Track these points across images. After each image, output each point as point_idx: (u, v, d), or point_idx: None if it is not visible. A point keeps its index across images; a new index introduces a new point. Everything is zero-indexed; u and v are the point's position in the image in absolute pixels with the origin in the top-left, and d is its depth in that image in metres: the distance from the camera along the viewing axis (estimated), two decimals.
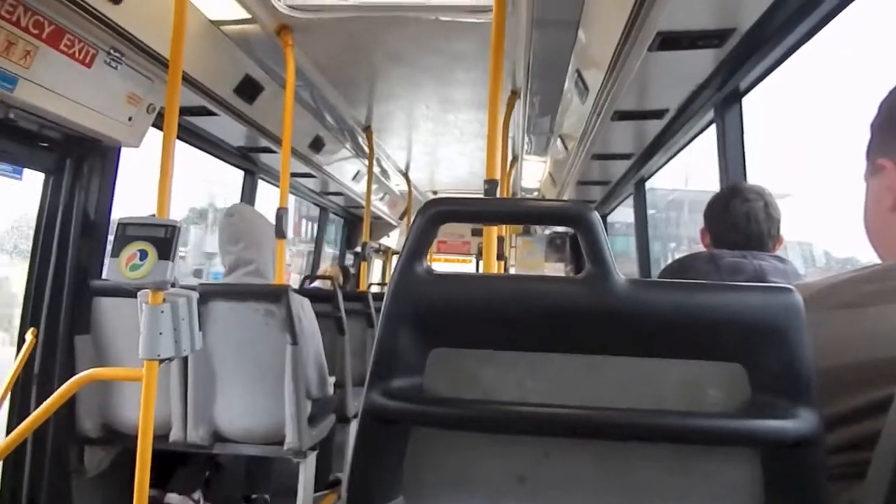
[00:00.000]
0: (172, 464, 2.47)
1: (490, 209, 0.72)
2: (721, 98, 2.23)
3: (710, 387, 0.58)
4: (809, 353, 0.56)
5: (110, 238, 1.75)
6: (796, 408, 0.55)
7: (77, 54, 1.97)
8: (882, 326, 0.64)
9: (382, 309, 0.63)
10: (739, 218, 1.61)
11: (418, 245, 0.63)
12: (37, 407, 1.69)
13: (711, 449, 0.58)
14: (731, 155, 2.28)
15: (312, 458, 2.27)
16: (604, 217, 5.24)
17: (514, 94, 3.06)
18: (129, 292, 1.68)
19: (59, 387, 1.66)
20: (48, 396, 1.66)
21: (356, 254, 4.78)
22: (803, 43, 1.80)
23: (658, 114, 2.68)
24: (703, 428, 0.56)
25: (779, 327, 0.56)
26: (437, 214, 0.63)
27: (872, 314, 0.66)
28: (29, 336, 2.18)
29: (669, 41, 1.89)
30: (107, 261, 1.60)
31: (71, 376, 1.69)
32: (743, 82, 2.10)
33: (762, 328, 0.57)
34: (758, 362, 0.57)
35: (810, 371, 0.55)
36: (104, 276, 2.34)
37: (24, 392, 2.19)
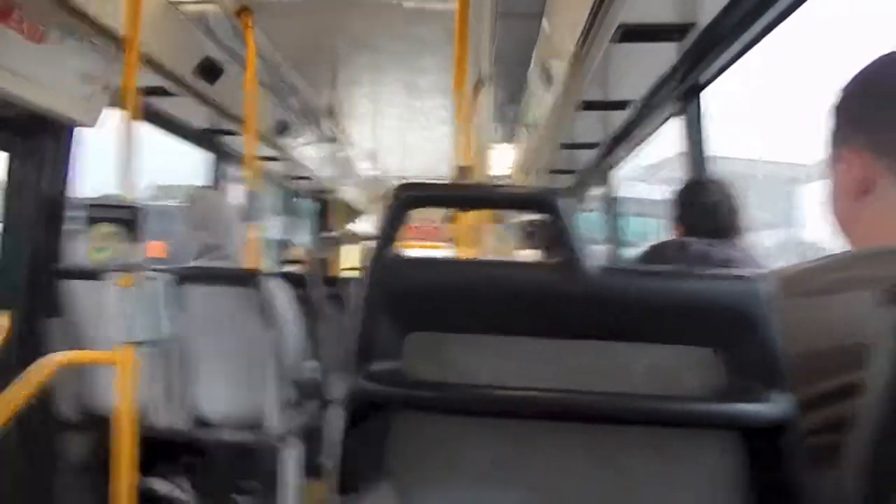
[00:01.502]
0: (154, 451, 2.43)
1: (465, 195, 0.72)
2: (682, 91, 2.26)
3: (685, 371, 0.59)
4: (779, 339, 0.57)
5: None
6: (771, 391, 0.56)
7: (27, 30, 1.90)
8: (847, 314, 0.66)
9: (359, 294, 0.63)
10: (706, 209, 1.66)
11: (391, 229, 0.63)
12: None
13: (692, 433, 0.59)
14: (693, 148, 2.31)
15: (296, 442, 2.26)
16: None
17: (480, 82, 3.05)
18: (97, 275, 1.65)
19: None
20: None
21: (326, 238, 4.74)
22: (761, 38, 1.83)
23: (622, 105, 2.70)
24: (685, 411, 0.57)
25: (748, 313, 0.57)
26: (411, 199, 0.63)
27: (839, 301, 0.67)
28: (5, 321, 2.11)
29: (632, 33, 1.91)
30: (69, 243, 1.57)
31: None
32: (703, 76, 2.13)
33: (732, 314, 0.58)
34: (731, 347, 0.58)
35: (781, 356, 0.57)
36: (71, 257, 2.28)
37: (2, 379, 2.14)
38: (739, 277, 0.60)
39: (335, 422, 0.61)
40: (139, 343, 1.55)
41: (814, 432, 0.64)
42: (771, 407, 0.55)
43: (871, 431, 0.53)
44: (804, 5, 1.59)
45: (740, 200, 1.68)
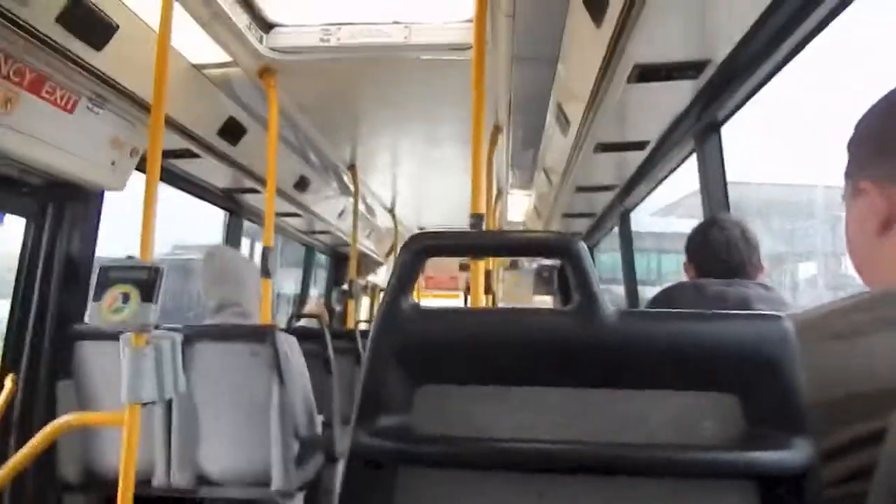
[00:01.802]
0: None
1: (476, 242, 0.72)
2: (700, 128, 2.27)
3: (705, 418, 0.57)
4: (803, 383, 0.55)
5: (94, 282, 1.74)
6: (792, 439, 0.54)
7: (58, 101, 1.97)
8: (874, 357, 0.63)
9: (368, 346, 0.61)
10: (720, 247, 1.63)
11: (404, 280, 0.62)
12: (15, 454, 1.65)
13: (708, 482, 0.56)
14: (713, 184, 2.31)
15: (300, 499, 2.22)
16: (591, 248, 5.26)
17: (497, 128, 3.10)
18: (112, 336, 1.66)
19: (38, 433, 1.62)
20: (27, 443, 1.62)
21: (343, 291, 4.75)
22: (778, 71, 1.84)
23: (639, 145, 2.72)
24: (699, 461, 0.54)
25: (772, 357, 0.55)
26: (423, 249, 0.62)
27: (864, 344, 0.65)
28: (8, 382, 2.12)
29: (647, 73, 1.93)
30: (90, 305, 1.59)
31: (50, 422, 1.65)
32: (721, 112, 2.14)
33: (755, 358, 0.56)
34: (751, 393, 0.56)
35: (804, 401, 0.55)
36: (86, 319, 2.30)
37: (3, 439, 2.14)
38: (760, 318, 0.58)
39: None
40: (147, 403, 1.54)
41: (839, 482, 0.61)
42: (791, 455, 0.53)
43: (893, 479, 0.50)
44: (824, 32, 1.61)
45: (755, 237, 1.66)
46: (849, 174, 0.79)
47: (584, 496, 0.58)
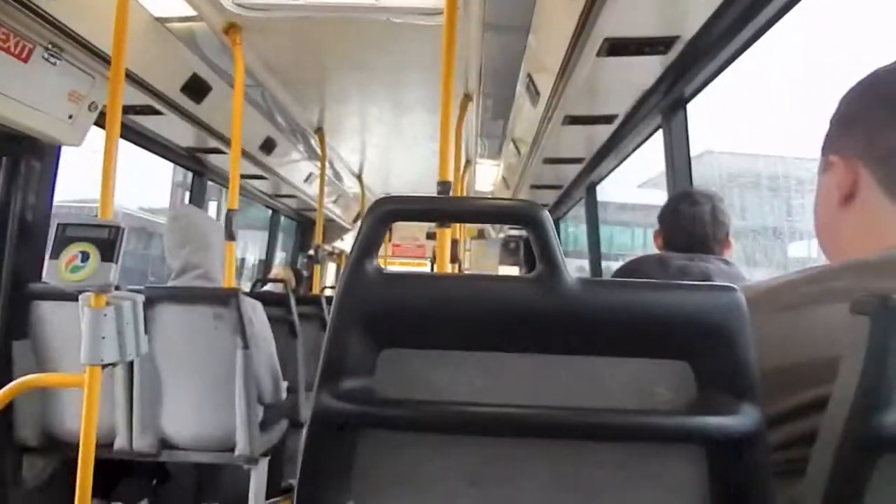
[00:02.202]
0: (117, 473, 2.39)
1: (441, 207, 0.72)
2: (667, 104, 2.29)
3: (659, 385, 0.59)
4: (753, 351, 0.57)
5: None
6: (740, 404, 0.56)
7: (12, 49, 1.89)
8: (820, 327, 0.65)
9: (332, 309, 0.62)
10: (686, 220, 1.66)
11: (368, 243, 0.62)
12: None
13: (660, 446, 0.58)
14: (678, 159, 2.34)
15: (264, 464, 2.23)
16: (556, 221, 5.31)
17: (467, 97, 3.08)
18: (70, 296, 1.62)
19: None
20: None
21: (309, 257, 4.72)
22: (744, 50, 1.87)
23: (607, 119, 2.73)
24: (650, 425, 0.56)
25: (723, 325, 0.57)
26: (388, 213, 0.62)
27: (809, 315, 0.67)
28: None
29: (617, 47, 1.93)
30: (46, 263, 1.54)
31: (7, 383, 1.62)
32: (687, 88, 2.17)
33: (707, 326, 0.58)
34: (703, 360, 0.58)
35: (754, 368, 0.57)
36: (43, 278, 2.25)
37: None
38: (713, 289, 0.60)
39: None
40: (107, 365, 1.52)
41: (786, 446, 0.64)
42: (738, 420, 0.55)
43: (833, 443, 0.53)
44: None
45: (726, 214, 1.69)
46: (823, 150, 0.81)
47: (542, 458, 0.60)
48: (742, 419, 0.55)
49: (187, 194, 4.06)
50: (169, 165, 3.71)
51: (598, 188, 4.00)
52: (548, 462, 0.60)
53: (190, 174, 3.90)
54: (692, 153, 2.34)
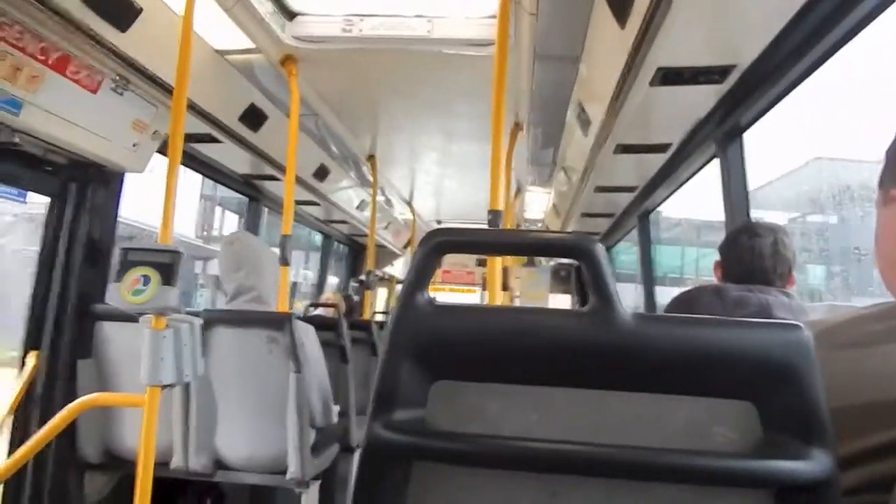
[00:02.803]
0: (174, 491, 2.43)
1: (493, 240, 0.71)
2: (722, 133, 2.24)
3: (719, 425, 0.57)
4: (822, 392, 0.54)
5: (114, 262, 1.76)
6: (810, 448, 0.53)
7: (83, 80, 2.00)
8: (889, 366, 0.63)
9: (385, 340, 0.62)
10: (745, 252, 1.63)
11: (421, 275, 0.62)
12: (37, 431, 1.68)
13: (722, 490, 0.56)
14: (735, 189, 2.28)
15: (315, 488, 2.23)
16: (608, 249, 5.23)
17: (517, 126, 3.08)
18: (132, 317, 1.67)
19: (59, 411, 1.65)
20: (49, 421, 1.65)
21: (360, 282, 4.77)
22: (804, 79, 1.82)
23: (660, 148, 2.69)
24: (714, 468, 0.54)
25: (789, 364, 0.55)
26: (440, 245, 0.62)
27: (881, 353, 0.64)
28: (31, 359, 2.16)
29: (670, 76, 1.91)
30: (110, 286, 1.61)
31: (72, 401, 1.68)
32: (744, 118, 2.12)
33: (772, 365, 0.55)
34: (768, 401, 0.56)
35: (823, 410, 0.54)
36: (106, 300, 2.34)
37: (26, 416, 2.17)
38: (779, 326, 0.57)
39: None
40: (166, 386, 1.56)
41: (857, 491, 0.61)
42: (809, 465, 0.52)
43: None
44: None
45: (788, 247, 1.63)
46: (882, 182, 0.78)
47: (597, 498, 0.58)
48: (814, 464, 0.53)
49: (217, 208, 4.17)
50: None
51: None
52: (605, 502, 0.58)
53: (221, 186, 4.00)
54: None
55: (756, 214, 2.27)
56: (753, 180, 2.23)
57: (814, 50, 1.62)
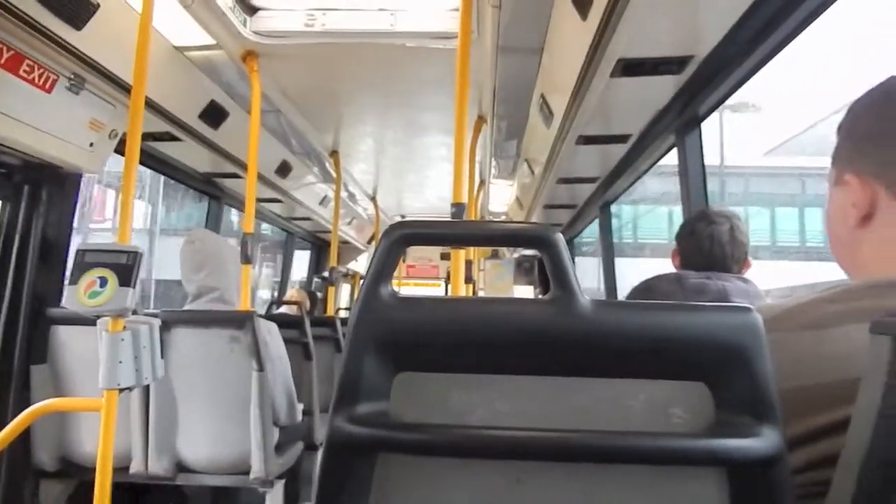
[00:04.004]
0: (133, 497, 2.39)
1: (455, 231, 0.72)
2: (681, 123, 2.29)
3: (675, 407, 0.58)
4: (771, 372, 0.56)
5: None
6: (760, 426, 0.55)
7: (37, 80, 1.94)
8: (842, 347, 0.64)
9: (347, 333, 0.62)
10: (703, 240, 1.66)
11: (383, 268, 0.62)
12: None
13: (680, 469, 0.58)
14: (693, 178, 2.33)
15: (280, 487, 2.22)
16: (570, 240, 5.30)
17: (481, 118, 3.10)
18: (88, 321, 1.63)
19: (13, 419, 1.60)
20: (1, 429, 1.60)
21: (323, 278, 4.73)
22: (758, 69, 1.86)
23: (621, 138, 2.74)
24: (670, 448, 0.56)
25: (740, 346, 0.57)
26: (402, 237, 0.62)
27: (833, 335, 0.66)
28: None
29: (631, 68, 1.94)
30: (66, 288, 1.56)
31: (26, 408, 1.63)
32: (702, 108, 2.17)
33: (723, 347, 0.57)
34: (721, 382, 0.57)
35: (772, 390, 0.56)
36: (62, 304, 2.28)
37: None
38: (730, 309, 0.59)
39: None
40: (124, 389, 1.53)
41: (808, 468, 0.63)
42: (759, 442, 0.54)
43: (856, 465, 0.52)
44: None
45: (744, 233, 1.69)
46: (835, 161, 0.79)
47: (560, 482, 0.59)
48: (763, 441, 0.55)
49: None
50: None
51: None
52: (567, 485, 0.59)
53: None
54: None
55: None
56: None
57: (768, 40, 1.67)
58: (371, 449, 0.60)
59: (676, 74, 1.99)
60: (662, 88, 2.13)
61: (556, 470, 0.59)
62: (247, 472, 2.13)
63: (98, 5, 1.89)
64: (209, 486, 2.34)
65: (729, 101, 2.16)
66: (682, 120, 2.28)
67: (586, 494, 0.59)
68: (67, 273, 1.94)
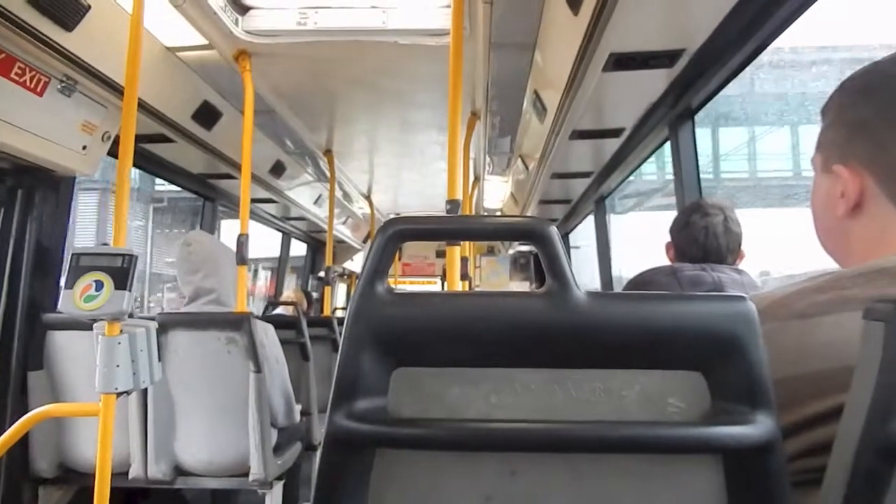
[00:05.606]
0: (133, 501, 2.39)
1: (450, 226, 0.72)
2: (674, 116, 2.30)
3: (671, 396, 0.59)
4: (765, 360, 0.57)
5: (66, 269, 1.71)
6: (754, 414, 0.56)
7: (28, 83, 1.93)
8: (833, 336, 0.65)
9: (344, 330, 0.62)
10: (699, 232, 1.67)
11: (378, 265, 0.62)
12: None
13: (676, 457, 0.58)
14: (686, 170, 2.35)
15: (279, 488, 2.22)
16: (566, 235, 5.31)
17: (474, 115, 3.10)
18: (85, 325, 1.62)
19: (11, 425, 1.59)
20: (0, 436, 1.59)
21: (319, 278, 4.73)
22: (750, 61, 1.87)
23: (615, 132, 2.74)
24: (667, 437, 0.56)
25: (734, 336, 0.57)
26: (397, 233, 0.62)
27: (824, 324, 0.66)
28: None
29: (623, 62, 1.94)
30: (62, 293, 1.55)
31: (24, 414, 1.63)
32: (694, 100, 2.18)
33: (718, 337, 0.58)
34: (715, 371, 0.58)
35: (767, 378, 0.57)
36: (58, 308, 2.27)
37: None
38: (724, 299, 0.60)
39: None
40: (121, 393, 1.52)
41: (803, 455, 0.64)
42: (753, 429, 0.55)
43: (850, 452, 0.53)
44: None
45: (738, 223, 1.70)
46: (820, 146, 0.78)
47: (557, 473, 0.60)
48: (757, 428, 0.55)
49: None
50: None
51: None
52: (565, 476, 0.60)
53: None
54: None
55: None
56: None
57: (759, 32, 1.68)
58: (370, 445, 0.60)
59: (668, 68, 1.99)
60: (655, 82, 2.13)
61: (552, 461, 0.60)
62: (245, 474, 2.13)
63: (89, 7, 1.88)
64: (208, 488, 2.34)
65: None
66: (674, 113, 2.29)
67: (582, 485, 0.60)
68: (63, 277, 1.95)
